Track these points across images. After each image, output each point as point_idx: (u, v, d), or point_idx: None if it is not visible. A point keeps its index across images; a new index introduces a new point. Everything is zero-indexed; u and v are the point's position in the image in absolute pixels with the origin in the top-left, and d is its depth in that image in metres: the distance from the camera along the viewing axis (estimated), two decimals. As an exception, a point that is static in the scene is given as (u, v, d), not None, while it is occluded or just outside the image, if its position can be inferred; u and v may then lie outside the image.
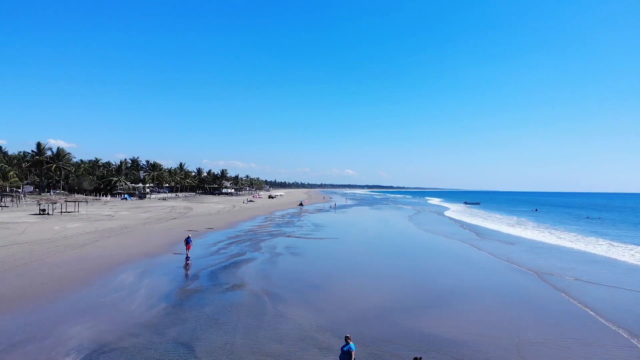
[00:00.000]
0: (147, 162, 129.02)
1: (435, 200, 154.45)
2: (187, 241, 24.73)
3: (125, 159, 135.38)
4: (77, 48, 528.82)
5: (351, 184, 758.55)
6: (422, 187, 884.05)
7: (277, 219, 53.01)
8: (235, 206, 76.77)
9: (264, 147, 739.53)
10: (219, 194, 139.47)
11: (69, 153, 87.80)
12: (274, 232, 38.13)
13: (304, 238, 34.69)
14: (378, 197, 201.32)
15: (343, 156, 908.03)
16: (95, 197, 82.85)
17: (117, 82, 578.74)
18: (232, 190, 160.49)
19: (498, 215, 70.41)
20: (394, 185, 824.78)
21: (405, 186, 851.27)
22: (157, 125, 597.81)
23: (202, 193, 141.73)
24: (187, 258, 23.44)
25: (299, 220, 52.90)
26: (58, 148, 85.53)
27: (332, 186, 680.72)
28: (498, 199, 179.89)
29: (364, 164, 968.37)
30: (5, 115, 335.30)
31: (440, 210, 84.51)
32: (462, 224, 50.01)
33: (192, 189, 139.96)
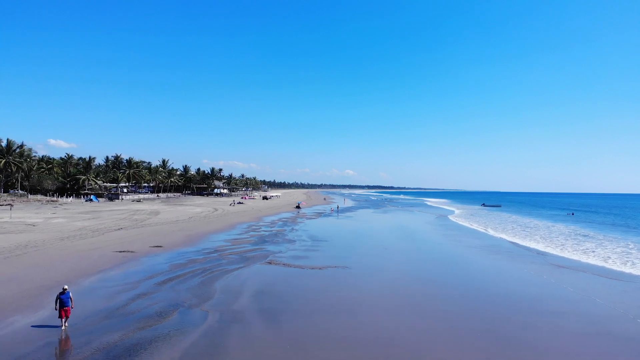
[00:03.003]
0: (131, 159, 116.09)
1: (444, 202, 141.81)
2: (63, 301, 12.07)
3: (110, 156, 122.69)
4: (77, 48, 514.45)
5: (351, 184, 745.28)
6: (423, 187, 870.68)
7: (263, 229, 40.40)
8: (217, 210, 64.09)
9: (265, 148, 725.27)
10: (207, 195, 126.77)
11: (24, 146, 74.69)
12: (250, 254, 25.48)
13: (294, 267, 22.04)
14: (382, 198, 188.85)
15: (343, 157, 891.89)
16: (53, 199, 70.11)
17: (118, 82, 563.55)
18: (225, 191, 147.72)
19: (536, 222, 57.85)
20: (394, 186, 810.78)
21: (406, 187, 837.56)
22: (158, 126, 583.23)
23: (190, 193, 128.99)
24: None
25: (292, 230, 40.33)
26: (8, 140, 72.31)
27: (332, 186, 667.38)
28: (513, 201, 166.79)
29: (363, 165, 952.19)
30: (6, 115, 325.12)
31: (461, 215, 71.89)
32: (516, 245, 37.40)
33: (178, 189, 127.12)
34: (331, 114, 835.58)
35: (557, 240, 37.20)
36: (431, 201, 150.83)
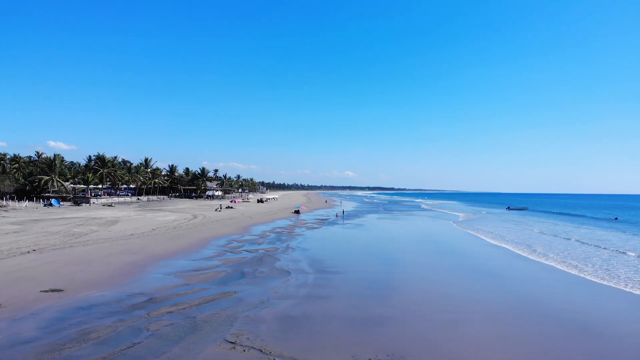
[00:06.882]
0: (115, 158, 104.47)
1: (454, 205, 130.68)
2: None
3: (92, 156, 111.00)
4: (77, 50, 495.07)
5: (352, 185, 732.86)
6: (422, 188, 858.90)
7: (246, 248, 29.12)
8: (196, 217, 52.75)
9: (265, 150, 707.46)
10: (197, 198, 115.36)
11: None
12: (205, 313, 14.12)
13: None
14: (385, 200, 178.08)
15: (343, 158, 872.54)
16: (2, 203, 58.71)
17: (120, 84, 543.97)
18: (219, 193, 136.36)
19: (599, 233, 46.54)
20: (395, 187, 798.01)
21: (406, 188, 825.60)
22: (158, 127, 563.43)
23: (177, 196, 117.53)
24: None
25: (287, 249, 29.11)
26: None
27: (332, 188, 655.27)
28: (529, 203, 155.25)
29: (364, 166, 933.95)
30: (5, 117, 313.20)
31: (488, 222, 60.84)
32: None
33: (164, 191, 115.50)
34: (332, 115, 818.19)
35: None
36: (435, 203, 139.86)
